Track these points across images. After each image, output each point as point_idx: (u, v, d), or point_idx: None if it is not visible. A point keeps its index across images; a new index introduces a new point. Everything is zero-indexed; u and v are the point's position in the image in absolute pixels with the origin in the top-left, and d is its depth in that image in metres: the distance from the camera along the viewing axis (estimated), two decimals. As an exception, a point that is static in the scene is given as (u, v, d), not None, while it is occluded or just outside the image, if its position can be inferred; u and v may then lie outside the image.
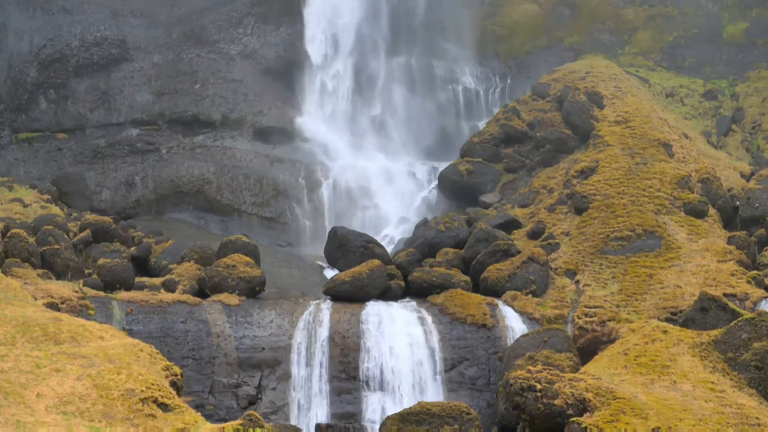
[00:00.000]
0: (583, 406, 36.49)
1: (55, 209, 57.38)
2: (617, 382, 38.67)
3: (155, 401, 32.03)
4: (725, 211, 54.63)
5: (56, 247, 47.08)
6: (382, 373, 43.87)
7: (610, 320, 45.85)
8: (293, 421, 42.96)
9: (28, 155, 66.04)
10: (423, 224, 55.53)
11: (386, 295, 48.13)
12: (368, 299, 47.02)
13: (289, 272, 54.61)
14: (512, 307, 46.77)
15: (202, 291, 47.04)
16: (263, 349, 44.22)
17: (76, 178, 63.99)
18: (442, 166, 64.71)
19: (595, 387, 37.37)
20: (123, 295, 44.60)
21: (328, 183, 66.05)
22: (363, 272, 47.57)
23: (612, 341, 44.41)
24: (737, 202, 55.22)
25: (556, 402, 36.50)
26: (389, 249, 55.33)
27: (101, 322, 40.25)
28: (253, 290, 46.90)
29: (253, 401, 43.24)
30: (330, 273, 53.44)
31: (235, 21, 71.10)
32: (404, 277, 49.47)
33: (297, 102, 70.02)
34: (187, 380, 40.92)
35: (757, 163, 62.20)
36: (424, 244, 52.54)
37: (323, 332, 44.61)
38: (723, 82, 71.38)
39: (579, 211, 53.65)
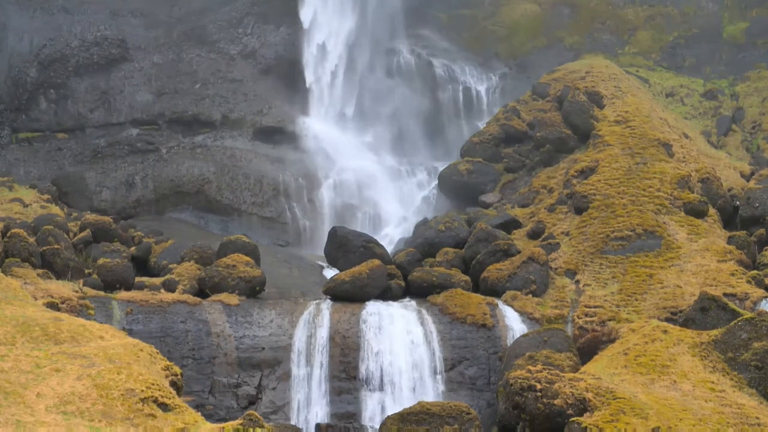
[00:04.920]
0: (583, 406, 36.49)
1: (55, 209, 57.38)
2: (617, 381, 38.66)
3: (155, 401, 32.01)
4: (725, 211, 54.58)
5: (56, 247, 47.05)
6: (382, 372, 43.82)
7: (610, 320, 45.82)
8: (293, 421, 42.94)
9: (28, 155, 66.07)
10: (423, 224, 55.49)
11: (386, 295, 48.08)
12: (368, 299, 46.96)
13: (289, 272, 54.60)
14: (512, 307, 46.72)
15: (202, 291, 47.01)
16: (263, 348, 44.20)
17: (76, 178, 64.03)
18: (442, 166, 64.67)
19: (595, 387, 37.35)
20: (123, 295, 44.56)
21: (328, 183, 66.08)
22: (363, 272, 47.53)
23: (612, 341, 44.38)
24: (737, 202, 55.15)
25: (556, 402, 36.50)
26: (389, 249, 55.30)
27: (101, 322, 40.22)
28: (253, 290, 46.88)
29: (253, 401, 43.22)
30: (330, 273, 53.40)
31: (235, 21, 71.13)
32: (404, 277, 49.42)
33: (297, 102, 70.04)
34: (187, 380, 40.88)
35: (757, 163, 62.20)
36: (424, 244, 52.50)
37: (323, 332, 44.57)
38: (723, 82, 71.37)
39: (579, 211, 53.62)
